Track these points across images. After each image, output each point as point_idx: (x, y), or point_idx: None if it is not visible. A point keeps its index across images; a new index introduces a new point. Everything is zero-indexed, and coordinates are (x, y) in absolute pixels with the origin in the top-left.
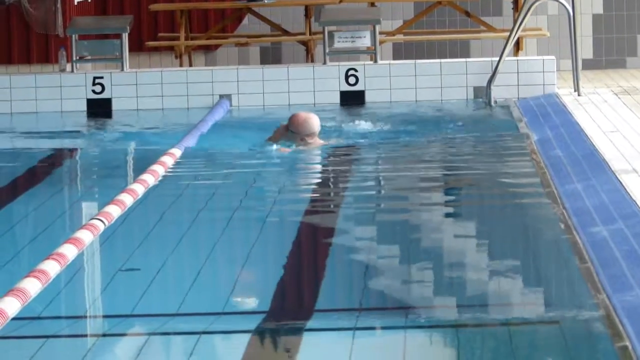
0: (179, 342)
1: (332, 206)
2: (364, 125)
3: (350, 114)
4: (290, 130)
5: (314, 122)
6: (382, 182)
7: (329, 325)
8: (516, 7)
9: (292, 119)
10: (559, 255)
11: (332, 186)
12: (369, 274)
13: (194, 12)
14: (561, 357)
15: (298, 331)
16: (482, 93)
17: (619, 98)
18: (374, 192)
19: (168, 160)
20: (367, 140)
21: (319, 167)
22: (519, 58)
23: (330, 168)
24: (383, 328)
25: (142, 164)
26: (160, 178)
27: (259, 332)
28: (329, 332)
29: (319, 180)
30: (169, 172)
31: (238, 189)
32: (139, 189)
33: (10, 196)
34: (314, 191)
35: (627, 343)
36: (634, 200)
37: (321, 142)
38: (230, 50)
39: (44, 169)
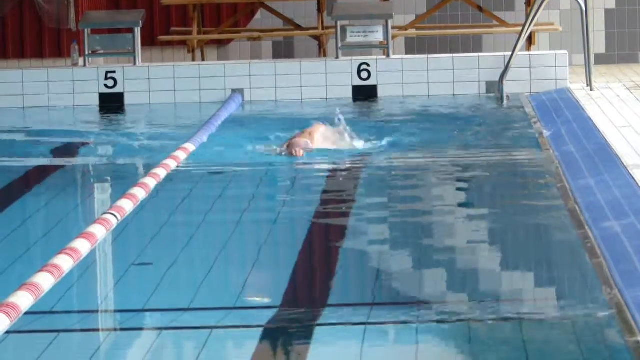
0: (191, 337)
1: (343, 204)
2: (375, 123)
3: (362, 110)
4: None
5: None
6: (393, 179)
7: (341, 320)
8: (529, 1)
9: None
10: (571, 250)
11: (343, 185)
12: (381, 270)
13: (207, 6)
14: (573, 352)
15: (310, 326)
16: (495, 88)
17: (631, 93)
18: (385, 189)
19: (181, 155)
20: (378, 140)
21: (329, 168)
22: (531, 53)
23: (340, 170)
24: (395, 323)
25: (155, 159)
26: (172, 172)
27: (271, 327)
28: (340, 327)
29: (330, 180)
30: (182, 167)
31: (250, 186)
32: (152, 183)
33: (22, 191)
34: (325, 190)
35: None
36: None
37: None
38: (243, 45)
39: (56, 164)
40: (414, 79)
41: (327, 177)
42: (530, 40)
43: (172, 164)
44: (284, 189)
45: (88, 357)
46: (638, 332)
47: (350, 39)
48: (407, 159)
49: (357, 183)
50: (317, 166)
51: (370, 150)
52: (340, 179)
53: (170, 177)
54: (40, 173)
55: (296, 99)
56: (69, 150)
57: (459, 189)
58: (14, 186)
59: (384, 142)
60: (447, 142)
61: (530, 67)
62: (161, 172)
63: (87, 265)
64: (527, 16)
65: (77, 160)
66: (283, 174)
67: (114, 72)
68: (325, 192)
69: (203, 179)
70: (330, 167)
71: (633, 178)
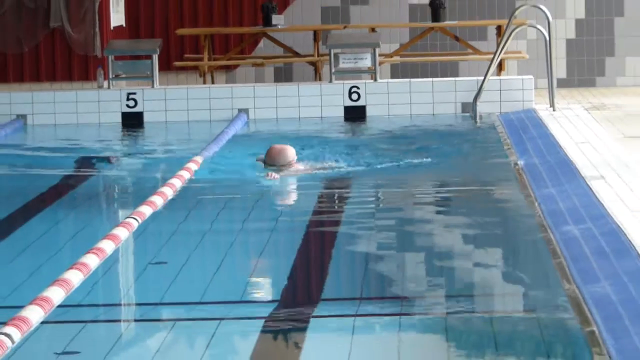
0: (202, 327)
1: (334, 214)
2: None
3: (352, 129)
4: (267, 163)
5: (288, 153)
6: (379, 194)
7: (333, 313)
8: (499, 32)
9: (268, 152)
10: (535, 251)
11: (333, 199)
12: (369, 269)
13: (216, 36)
14: (537, 341)
15: (306, 318)
16: (469, 108)
17: (589, 113)
18: (372, 202)
19: (193, 167)
20: (363, 157)
21: (321, 184)
22: (501, 77)
23: (331, 185)
24: (380, 315)
25: (171, 170)
26: (186, 182)
27: (272, 319)
28: (333, 319)
29: (322, 194)
30: (195, 177)
31: (252, 196)
32: (168, 192)
33: (55, 198)
34: (318, 202)
35: (595, 328)
36: (601, 203)
37: (302, 168)
38: (248, 70)
39: (84, 175)
40: (398, 100)
41: (320, 191)
42: (500, 66)
43: (186, 175)
44: (282, 200)
45: (111, 345)
46: (593, 323)
47: (342, 65)
48: (386, 174)
49: (346, 199)
50: (310, 181)
51: (356, 168)
52: (331, 193)
53: (183, 187)
54: (70, 183)
55: (294, 118)
56: (95, 162)
57: (436, 200)
58: (47, 194)
59: (369, 160)
60: (423, 157)
61: (500, 90)
62: (176, 182)
63: (111, 263)
64: (498, 45)
65: (103, 172)
66: (282, 187)
67: (134, 93)
68: (318, 203)
69: (212, 189)
70: (322, 182)
71: (590, 188)
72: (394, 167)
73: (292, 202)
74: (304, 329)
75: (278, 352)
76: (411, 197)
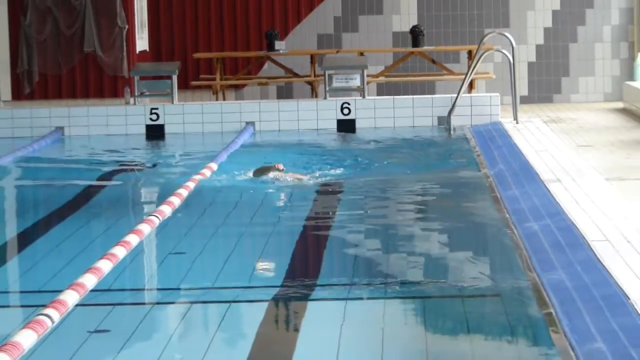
0: (214, 309)
1: (327, 212)
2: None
3: (343, 139)
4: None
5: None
6: (367, 195)
7: (328, 296)
8: (470, 56)
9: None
10: (501, 244)
11: (326, 200)
12: (358, 259)
13: (227, 59)
14: (502, 321)
15: (304, 300)
16: (444, 121)
17: (547, 125)
18: (361, 202)
19: (206, 172)
20: (353, 164)
21: (316, 188)
22: (472, 95)
23: (324, 190)
24: (368, 298)
25: (187, 175)
26: (200, 185)
27: (274, 301)
28: (327, 302)
29: (316, 197)
30: (207, 181)
31: (258, 197)
32: (184, 193)
33: (87, 199)
34: (313, 203)
35: (552, 310)
36: (558, 203)
37: (300, 175)
38: (254, 88)
39: (113, 178)
40: (383, 114)
41: (316, 193)
42: (471, 85)
43: (199, 178)
44: (284, 201)
45: (136, 324)
46: (550, 305)
47: (335, 84)
48: (378, 176)
49: (338, 199)
50: (308, 186)
51: (347, 173)
52: (325, 196)
53: (199, 189)
54: (101, 186)
55: (294, 129)
56: (122, 168)
57: (415, 201)
58: (82, 195)
59: (359, 166)
60: (405, 164)
61: (471, 106)
62: (192, 185)
63: (136, 254)
64: (469, 67)
65: (129, 176)
66: (283, 190)
67: (157, 108)
68: (314, 204)
69: (223, 191)
70: (318, 186)
71: (548, 190)
72: (380, 172)
73: (292, 203)
74: (302, 310)
75: (280, 329)
76: (394, 198)
